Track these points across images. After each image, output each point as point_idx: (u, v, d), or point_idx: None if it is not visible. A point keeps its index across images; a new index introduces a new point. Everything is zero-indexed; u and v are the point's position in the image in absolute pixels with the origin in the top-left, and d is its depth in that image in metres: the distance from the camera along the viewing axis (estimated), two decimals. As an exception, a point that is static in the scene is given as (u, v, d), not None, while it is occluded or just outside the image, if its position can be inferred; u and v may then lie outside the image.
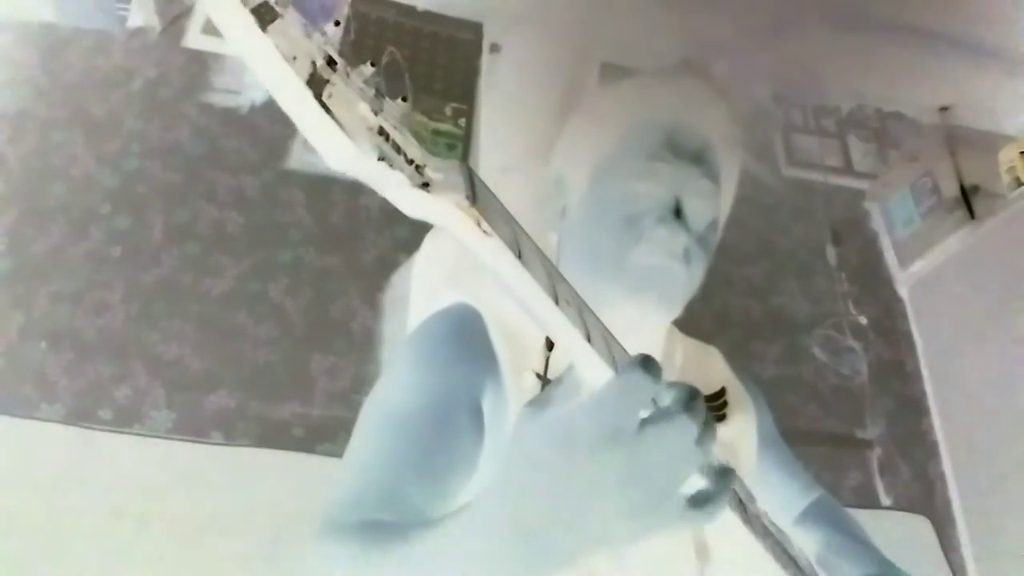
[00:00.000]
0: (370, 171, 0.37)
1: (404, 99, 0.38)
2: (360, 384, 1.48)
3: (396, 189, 0.38)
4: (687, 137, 0.81)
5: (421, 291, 1.09)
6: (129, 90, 1.67)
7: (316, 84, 0.34)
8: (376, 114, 0.37)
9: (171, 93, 1.70)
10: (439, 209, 0.39)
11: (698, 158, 0.81)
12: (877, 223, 2.07)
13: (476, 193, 0.40)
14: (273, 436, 1.43)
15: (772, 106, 2.06)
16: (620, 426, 0.40)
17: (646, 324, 0.80)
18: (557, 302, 0.43)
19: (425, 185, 0.38)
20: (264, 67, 0.33)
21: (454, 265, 1.07)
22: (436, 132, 1.73)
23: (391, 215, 1.67)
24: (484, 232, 0.40)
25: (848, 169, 2.10)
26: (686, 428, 0.40)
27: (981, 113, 1.98)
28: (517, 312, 0.82)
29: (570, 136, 0.90)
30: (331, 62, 0.36)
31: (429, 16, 1.88)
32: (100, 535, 1.22)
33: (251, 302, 1.54)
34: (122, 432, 1.36)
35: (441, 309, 0.82)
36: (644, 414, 0.41)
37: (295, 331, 1.54)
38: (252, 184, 1.65)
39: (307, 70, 0.34)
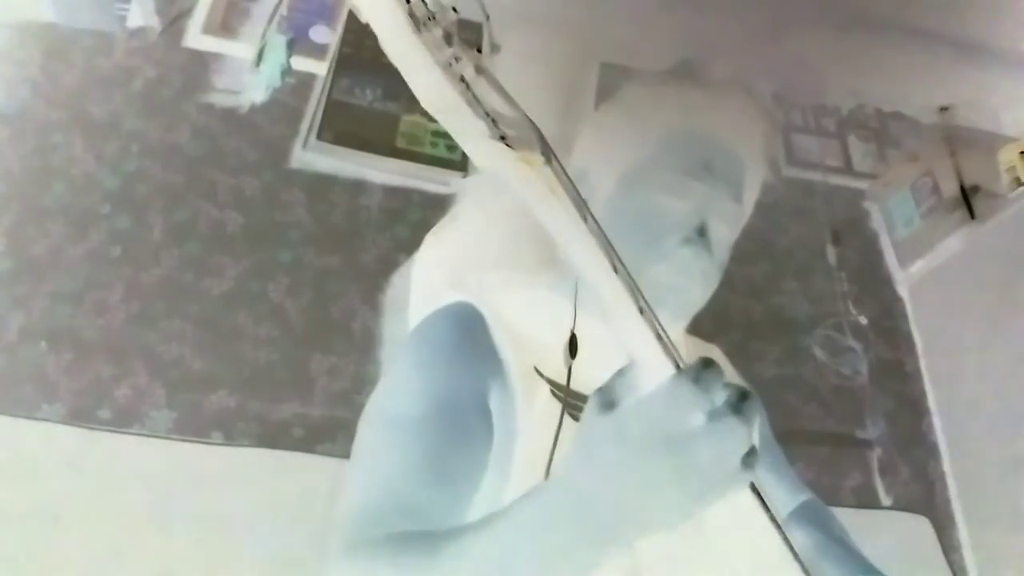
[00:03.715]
0: (455, 117, 0.37)
1: (479, 49, 0.38)
2: (360, 384, 1.48)
3: (475, 139, 0.38)
4: (724, 158, 0.80)
5: (421, 291, 1.09)
6: (129, 90, 1.67)
7: (413, 21, 0.34)
8: (457, 61, 0.36)
9: (171, 93, 1.70)
10: (512, 163, 0.39)
11: (731, 181, 0.81)
12: (877, 223, 2.06)
13: (548, 154, 0.40)
14: (273, 436, 1.43)
15: (772, 106, 2.06)
16: (673, 430, 0.42)
17: None
18: (616, 271, 0.43)
19: (503, 138, 0.38)
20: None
21: (454, 265, 1.07)
22: (435, 133, 1.73)
23: (391, 215, 1.69)
24: (553, 192, 0.40)
25: (848, 169, 2.09)
26: (736, 430, 0.42)
27: (981, 113, 1.98)
28: (521, 311, 0.82)
29: (600, 132, 0.88)
30: (423, 1, 0.35)
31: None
32: (100, 535, 1.22)
33: (251, 302, 1.54)
34: (122, 432, 1.35)
35: (441, 307, 0.81)
36: (699, 415, 0.43)
37: (295, 331, 1.54)
38: (252, 184, 1.65)
39: (404, 5, 0.34)
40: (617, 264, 0.44)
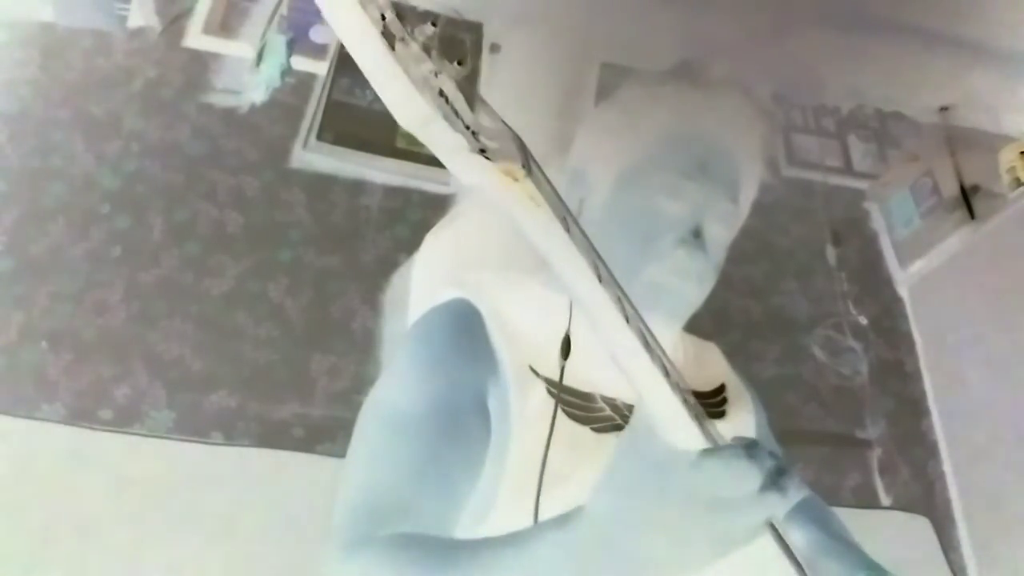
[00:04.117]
0: (433, 132, 0.36)
1: (460, 63, 0.38)
2: (360, 384, 1.48)
3: (454, 153, 0.37)
4: (722, 160, 0.81)
5: (421, 291, 1.09)
6: (129, 90, 1.67)
7: (388, 37, 0.34)
8: (436, 75, 0.36)
9: (171, 93, 1.70)
10: (494, 177, 0.39)
11: (727, 182, 0.81)
12: (877, 223, 2.06)
13: (530, 164, 0.40)
14: (273, 436, 1.43)
15: (772, 106, 2.06)
16: (717, 495, 0.45)
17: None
18: (600, 281, 0.43)
19: (482, 151, 0.38)
20: (339, 14, 0.33)
21: (454, 265, 1.07)
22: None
23: (391, 215, 1.69)
24: (536, 204, 0.40)
25: (848, 169, 2.09)
26: (777, 505, 0.45)
27: (981, 113, 1.98)
28: (518, 310, 0.82)
29: (598, 131, 0.88)
30: (399, 17, 0.35)
31: (428, 16, 1.87)
32: (100, 535, 1.22)
33: (251, 302, 1.54)
34: (122, 432, 1.35)
35: (439, 304, 0.81)
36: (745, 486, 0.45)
37: (295, 331, 1.54)
38: (252, 184, 1.65)
39: (379, 23, 0.33)
40: (603, 273, 0.44)
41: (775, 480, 0.45)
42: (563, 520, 0.50)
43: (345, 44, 0.34)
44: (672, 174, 0.78)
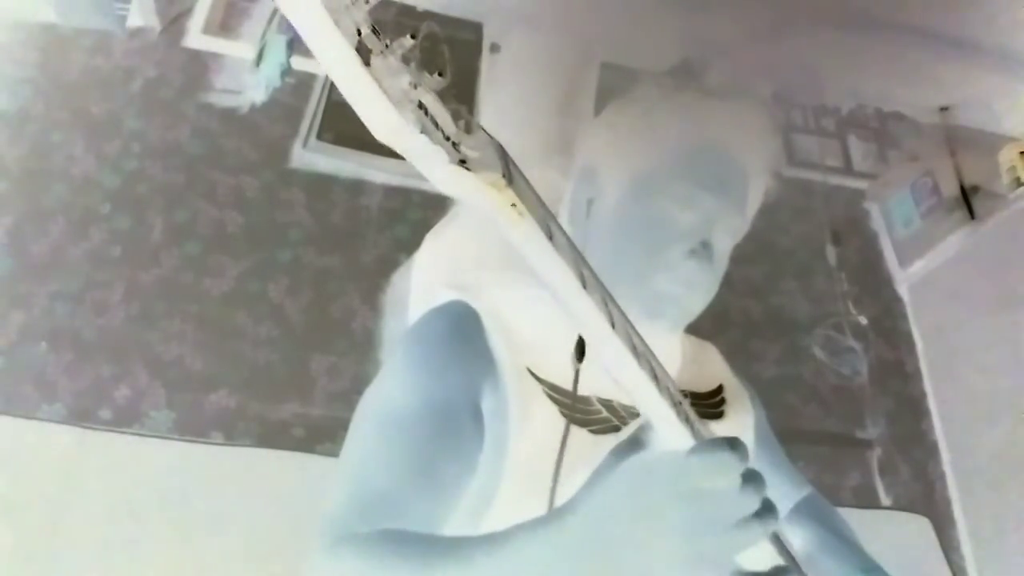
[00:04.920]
0: (411, 145, 0.36)
1: (440, 74, 0.38)
2: (360, 384, 1.47)
3: (434, 165, 0.38)
4: (737, 174, 0.81)
5: (421, 291, 1.09)
6: (129, 90, 1.67)
7: (363, 52, 0.34)
8: (415, 88, 0.36)
9: (171, 93, 1.70)
10: (475, 187, 0.39)
11: (739, 196, 0.81)
12: (877, 223, 2.07)
13: (511, 173, 0.40)
14: (273, 436, 1.43)
15: (772, 106, 2.06)
16: (697, 489, 0.45)
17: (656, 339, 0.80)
18: (585, 287, 0.43)
19: (462, 162, 0.38)
20: (312, 30, 0.33)
21: (454, 265, 1.07)
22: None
23: (391, 215, 1.69)
24: (518, 213, 0.40)
25: (848, 169, 2.10)
26: (744, 502, 0.45)
27: (981, 113, 1.98)
28: (518, 311, 0.82)
29: (613, 132, 0.87)
30: (375, 31, 0.35)
31: (429, 16, 1.88)
32: (100, 535, 1.22)
33: (251, 302, 1.54)
34: (122, 432, 1.35)
35: (437, 306, 0.81)
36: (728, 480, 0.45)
37: (295, 331, 1.54)
38: (252, 184, 1.65)
39: (353, 37, 0.33)
40: (588, 278, 0.44)
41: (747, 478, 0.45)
42: (546, 517, 0.50)
43: (319, 59, 0.34)
44: (689, 184, 0.78)
